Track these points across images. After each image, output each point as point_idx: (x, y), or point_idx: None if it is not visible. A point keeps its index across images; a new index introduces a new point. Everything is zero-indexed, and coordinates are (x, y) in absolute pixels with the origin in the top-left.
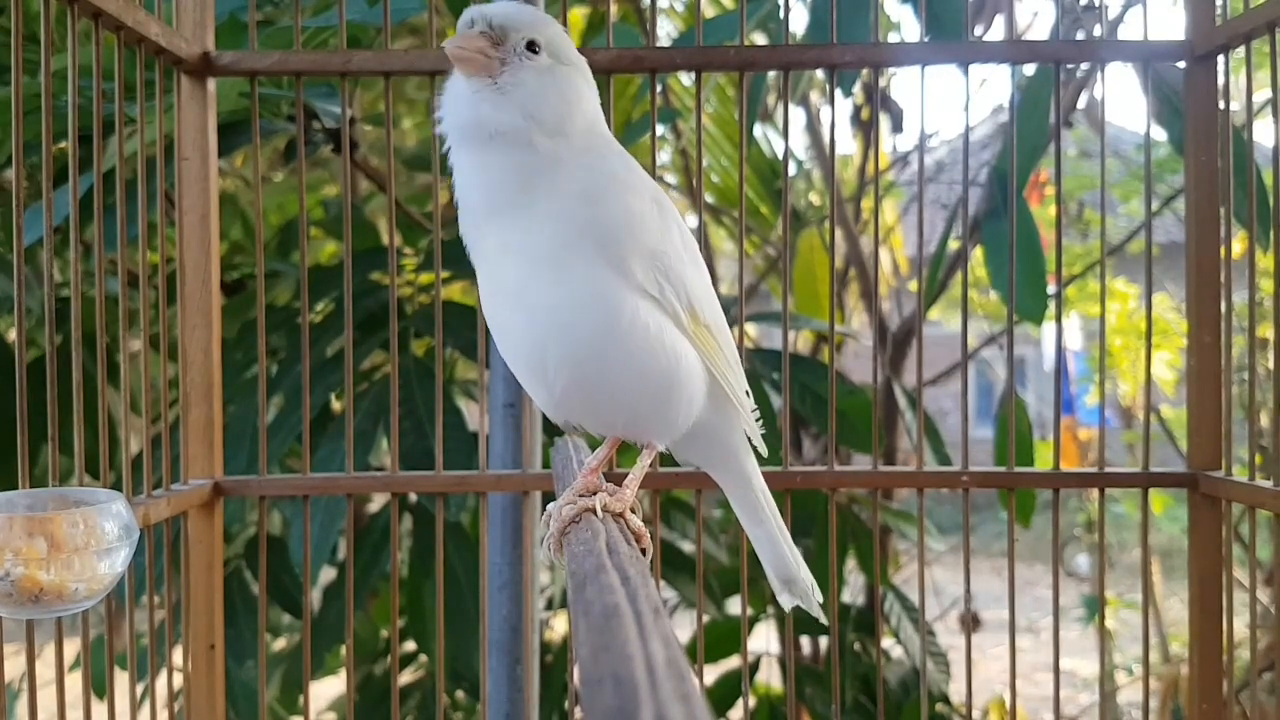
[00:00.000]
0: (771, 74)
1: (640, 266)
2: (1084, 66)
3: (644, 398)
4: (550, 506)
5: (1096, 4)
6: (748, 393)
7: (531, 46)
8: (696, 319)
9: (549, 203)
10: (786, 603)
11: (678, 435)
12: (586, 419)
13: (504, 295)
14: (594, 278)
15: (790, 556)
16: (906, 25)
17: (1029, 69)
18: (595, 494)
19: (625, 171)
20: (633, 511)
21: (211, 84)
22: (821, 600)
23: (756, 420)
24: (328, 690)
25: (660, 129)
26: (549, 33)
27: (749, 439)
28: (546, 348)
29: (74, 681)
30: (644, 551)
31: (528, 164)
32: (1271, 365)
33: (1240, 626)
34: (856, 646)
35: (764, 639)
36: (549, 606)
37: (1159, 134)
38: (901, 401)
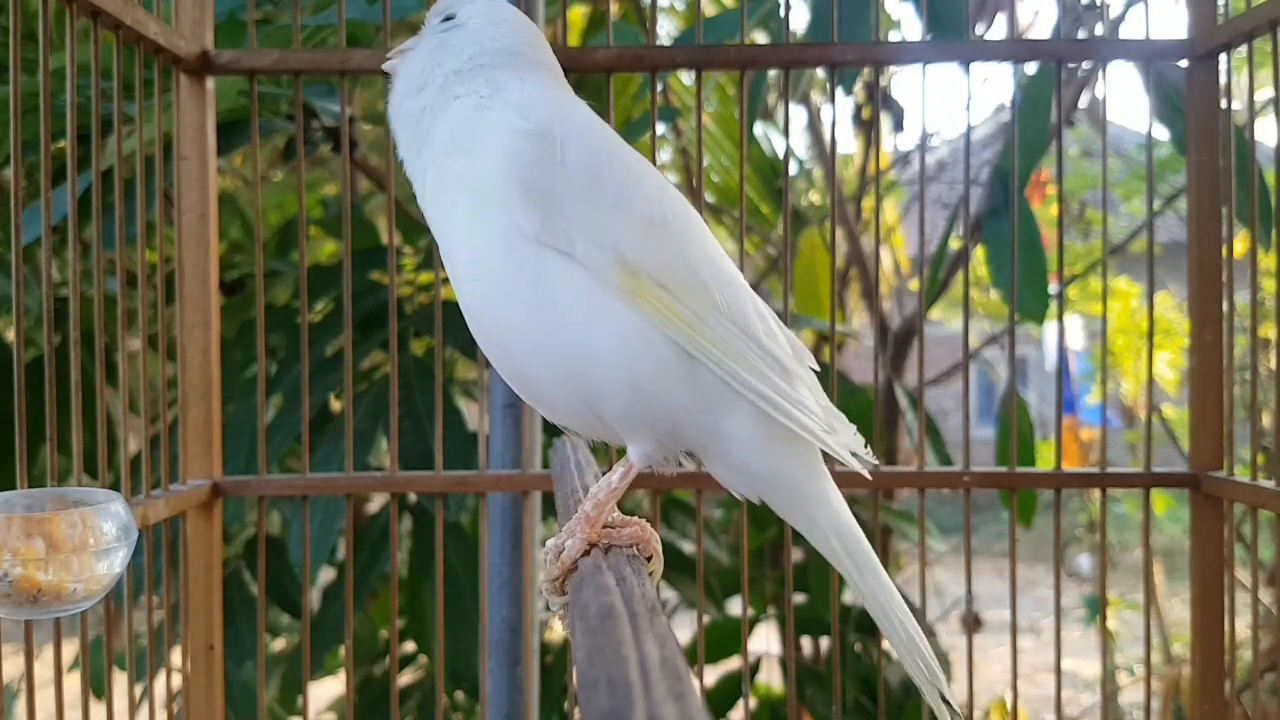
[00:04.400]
0: (772, 73)
1: (533, 214)
2: (1085, 65)
3: (558, 378)
4: (550, 542)
5: (1098, 3)
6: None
7: (446, 21)
8: (637, 276)
9: (426, 160)
10: (937, 710)
11: (648, 436)
12: (547, 413)
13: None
14: (480, 234)
15: (898, 626)
16: (907, 24)
17: (1030, 68)
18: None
19: (508, 108)
20: (616, 526)
21: (210, 83)
22: (947, 696)
23: (855, 435)
24: (327, 691)
25: (660, 128)
26: (464, 3)
27: (817, 454)
28: (471, 326)
29: (72, 682)
30: (648, 559)
31: (408, 128)
32: (1273, 365)
33: (1242, 627)
34: (857, 647)
35: (764, 640)
36: (549, 607)
37: (1161, 133)
38: (903, 401)
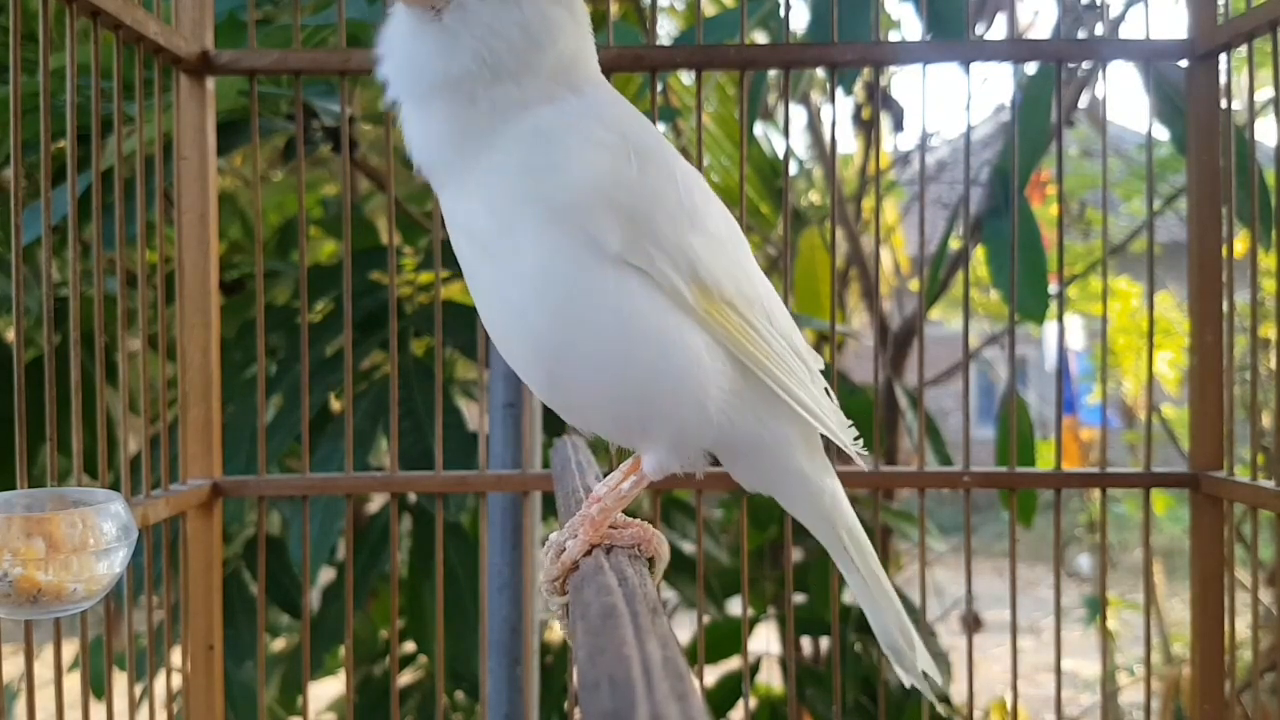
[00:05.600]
0: (772, 73)
1: (616, 232)
2: (1086, 65)
3: (626, 396)
4: (552, 537)
5: (1098, 2)
6: (828, 391)
7: None
8: (709, 294)
9: (487, 165)
10: (904, 679)
11: (693, 447)
12: (577, 421)
13: (469, 279)
14: (550, 250)
15: (893, 620)
16: (907, 24)
17: (1030, 68)
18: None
19: (591, 119)
20: (619, 527)
21: (210, 83)
22: (940, 682)
23: (853, 434)
24: (327, 691)
25: (660, 128)
26: None
27: (831, 458)
28: (511, 340)
29: (72, 682)
30: (650, 561)
31: (467, 119)
32: (1273, 365)
33: (1242, 627)
34: (857, 647)
35: (764, 640)
36: (549, 607)
37: (1161, 133)
38: (903, 401)
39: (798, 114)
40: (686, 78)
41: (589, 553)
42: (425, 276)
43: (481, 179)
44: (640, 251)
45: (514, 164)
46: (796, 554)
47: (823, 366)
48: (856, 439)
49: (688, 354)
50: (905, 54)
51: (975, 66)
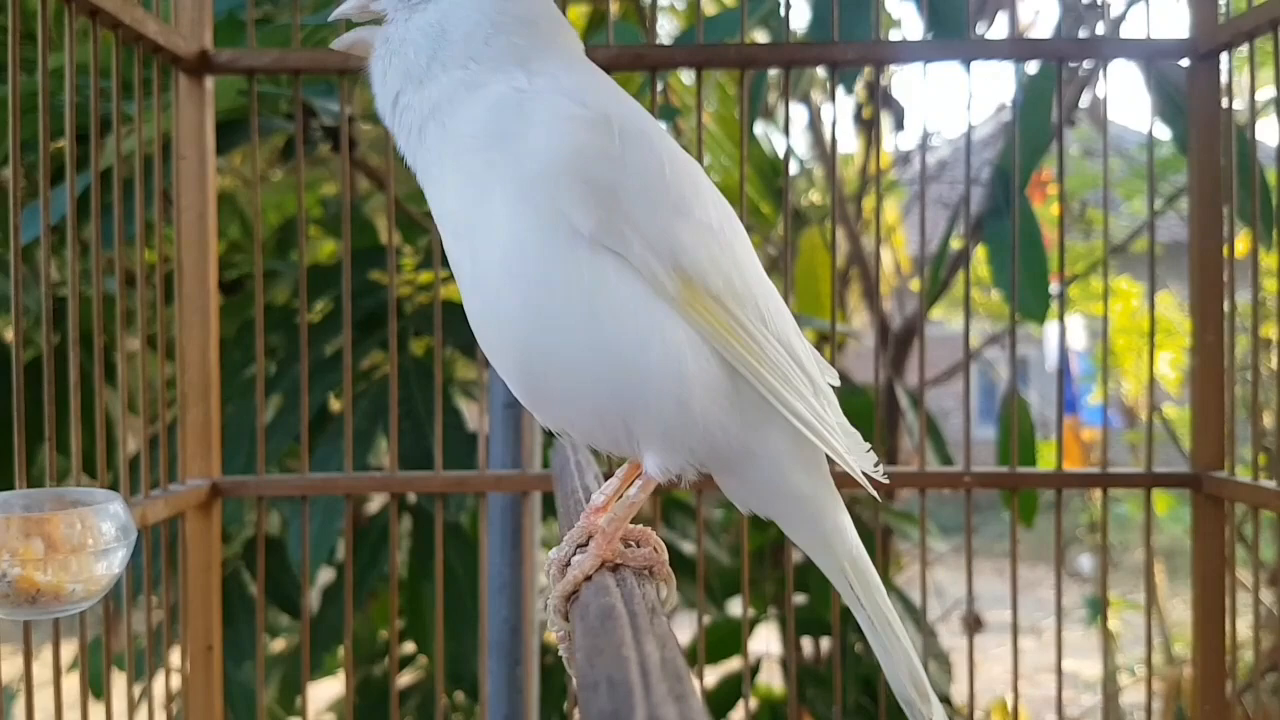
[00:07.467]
0: (773, 72)
1: (589, 209)
2: (1087, 64)
3: (600, 389)
4: (552, 554)
5: (1099, 2)
6: (828, 390)
7: None
8: (692, 286)
9: (447, 155)
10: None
11: (680, 453)
12: (556, 422)
13: (454, 273)
14: (522, 230)
15: (904, 666)
16: (908, 23)
17: (1032, 67)
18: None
19: (558, 95)
20: (634, 544)
21: (209, 82)
22: None
23: (870, 459)
24: (326, 692)
25: (661, 127)
26: None
27: (834, 477)
28: (485, 327)
29: (71, 683)
30: (662, 584)
31: (415, 122)
32: (1275, 365)
33: (1243, 627)
34: (858, 648)
35: (765, 640)
36: (549, 625)
37: (1162, 132)
38: (903, 401)
39: (798, 113)
40: (687, 77)
41: (599, 568)
42: (425, 276)
43: (447, 164)
44: (616, 234)
45: (463, 144)
46: (797, 554)
47: (836, 382)
48: (876, 464)
49: (667, 348)
50: (906, 53)
51: (976, 65)
